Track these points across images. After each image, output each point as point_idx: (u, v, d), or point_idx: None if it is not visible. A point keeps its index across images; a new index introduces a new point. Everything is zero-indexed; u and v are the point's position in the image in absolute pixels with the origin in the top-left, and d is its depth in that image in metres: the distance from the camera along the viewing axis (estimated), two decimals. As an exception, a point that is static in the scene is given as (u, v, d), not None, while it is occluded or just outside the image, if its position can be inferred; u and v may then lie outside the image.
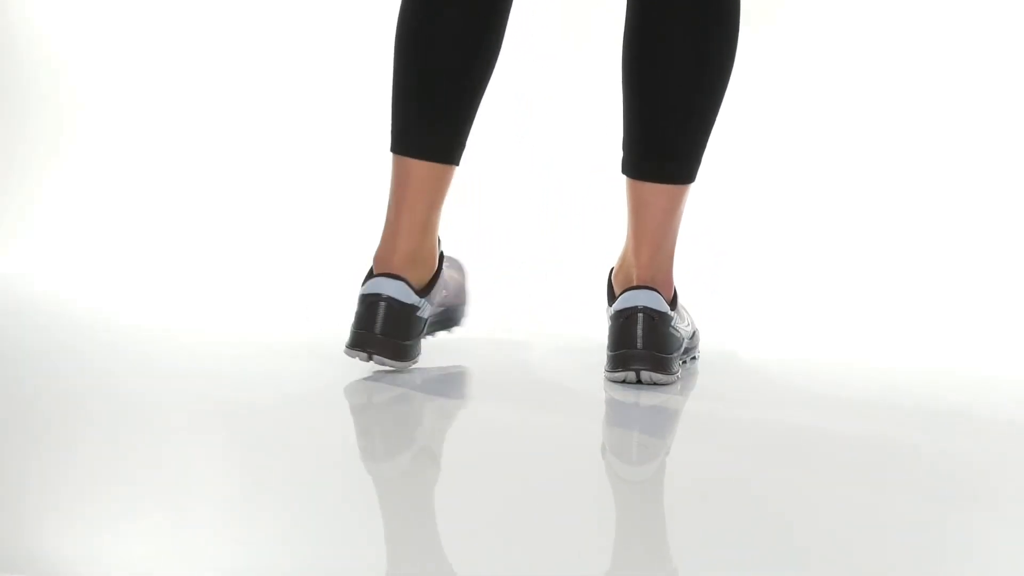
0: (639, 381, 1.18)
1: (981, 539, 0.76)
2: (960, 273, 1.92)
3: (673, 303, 1.23)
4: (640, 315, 1.17)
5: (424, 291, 1.27)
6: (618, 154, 1.26)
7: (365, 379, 1.25)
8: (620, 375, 1.19)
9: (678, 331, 1.22)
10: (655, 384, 1.18)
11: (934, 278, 1.91)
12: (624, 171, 1.25)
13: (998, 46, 2.07)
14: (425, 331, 1.32)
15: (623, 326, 1.18)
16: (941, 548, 0.74)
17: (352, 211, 2.10)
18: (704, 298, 1.66)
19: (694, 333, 1.34)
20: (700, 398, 1.19)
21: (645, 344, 1.17)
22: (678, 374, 1.23)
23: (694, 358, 1.35)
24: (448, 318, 1.40)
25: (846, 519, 0.79)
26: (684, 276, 1.31)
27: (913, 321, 1.69)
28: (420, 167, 1.25)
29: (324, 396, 1.17)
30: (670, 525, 0.78)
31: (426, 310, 1.26)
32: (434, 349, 1.33)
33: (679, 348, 1.23)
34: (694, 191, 1.26)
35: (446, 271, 1.35)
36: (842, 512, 0.81)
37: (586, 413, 1.11)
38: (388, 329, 1.25)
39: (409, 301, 1.24)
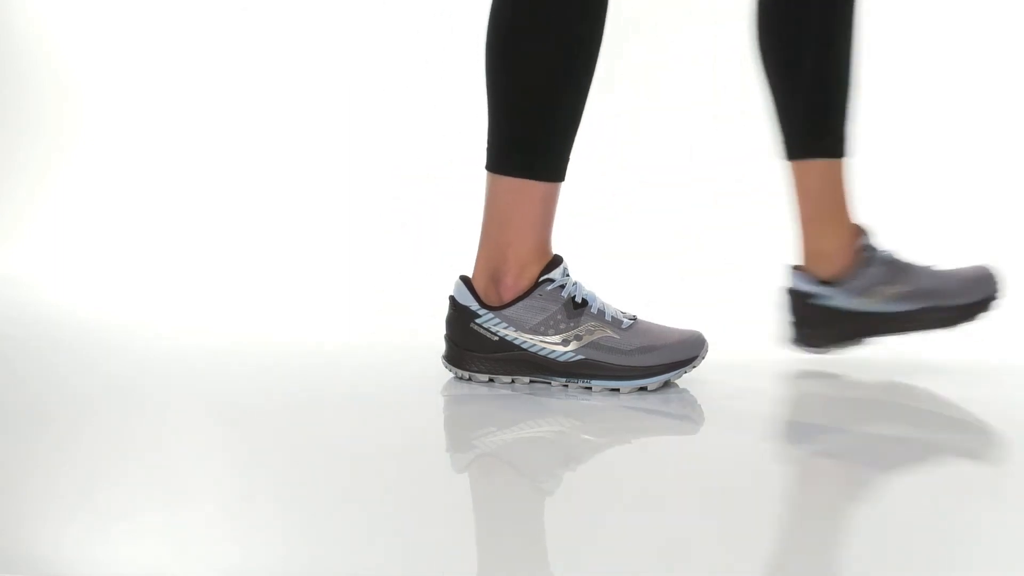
0: None
1: (985, 539, 0.76)
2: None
3: (513, 302, 1.17)
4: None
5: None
6: (615, 155, 1.25)
7: (377, 383, 1.25)
8: None
9: (489, 332, 1.18)
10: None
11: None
12: None
13: (998, 46, 2.07)
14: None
15: None
16: (944, 548, 0.74)
17: (353, 211, 2.10)
18: (707, 298, 1.66)
19: (580, 361, 1.18)
20: (701, 397, 1.18)
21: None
22: (463, 372, 1.20)
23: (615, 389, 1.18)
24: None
25: (845, 520, 0.79)
26: (687, 277, 1.30)
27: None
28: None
29: (325, 397, 1.17)
30: (669, 524, 0.78)
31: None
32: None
33: (482, 348, 1.18)
34: (690, 194, 1.24)
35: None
36: (842, 512, 0.81)
37: (597, 413, 1.11)
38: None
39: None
